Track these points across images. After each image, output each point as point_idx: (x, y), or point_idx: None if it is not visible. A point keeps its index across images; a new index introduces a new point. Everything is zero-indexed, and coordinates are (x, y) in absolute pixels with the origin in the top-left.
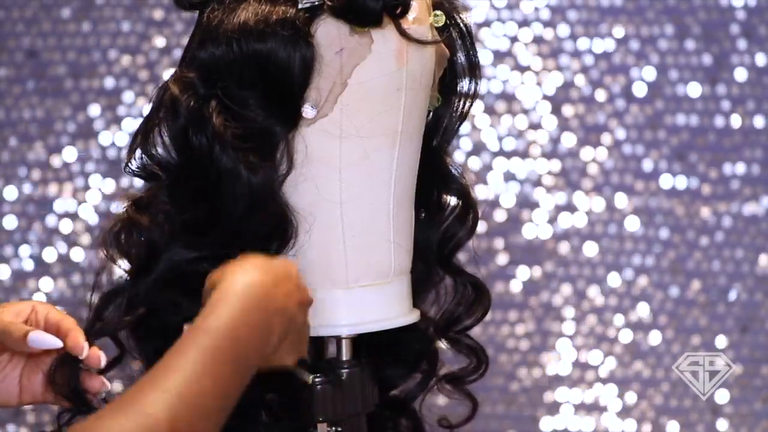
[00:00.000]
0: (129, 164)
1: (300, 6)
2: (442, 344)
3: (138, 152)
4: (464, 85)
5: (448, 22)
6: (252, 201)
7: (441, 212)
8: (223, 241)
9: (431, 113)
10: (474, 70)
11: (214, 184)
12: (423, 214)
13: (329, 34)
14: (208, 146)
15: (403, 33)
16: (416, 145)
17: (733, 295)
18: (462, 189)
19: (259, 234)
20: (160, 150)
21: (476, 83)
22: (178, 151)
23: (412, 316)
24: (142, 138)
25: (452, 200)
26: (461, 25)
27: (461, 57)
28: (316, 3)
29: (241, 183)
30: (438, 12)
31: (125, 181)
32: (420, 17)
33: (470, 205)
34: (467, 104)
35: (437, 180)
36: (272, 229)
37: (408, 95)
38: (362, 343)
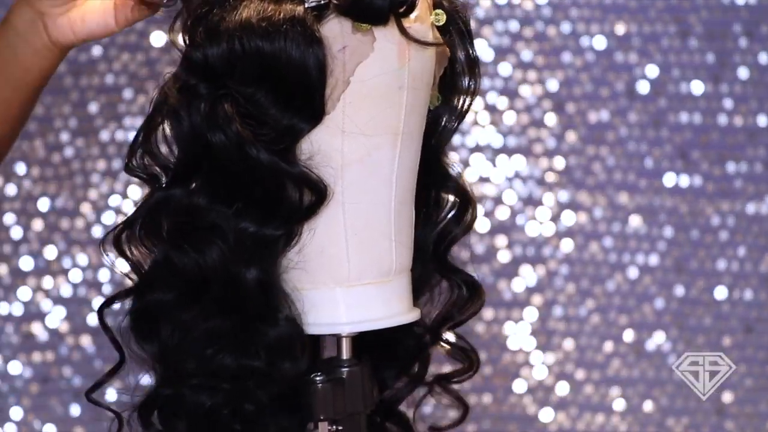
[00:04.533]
0: (130, 164)
1: (307, 5)
2: (441, 346)
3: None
4: (464, 83)
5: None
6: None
7: (438, 210)
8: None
9: (430, 112)
10: (474, 68)
11: (248, 181)
12: (422, 215)
13: (332, 31)
14: (234, 146)
15: (404, 32)
16: (417, 143)
17: (737, 294)
18: (459, 188)
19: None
20: (163, 150)
21: (476, 82)
22: (197, 153)
23: (412, 315)
24: (143, 138)
25: (450, 199)
26: (461, 23)
27: (461, 55)
28: (322, 2)
29: (284, 174)
30: (439, 11)
31: (125, 179)
32: (421, 15)
33: (468, 203)
34: (466, 103)
35: (435, 178)
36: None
37: (410, 93)
38: (357, 343)
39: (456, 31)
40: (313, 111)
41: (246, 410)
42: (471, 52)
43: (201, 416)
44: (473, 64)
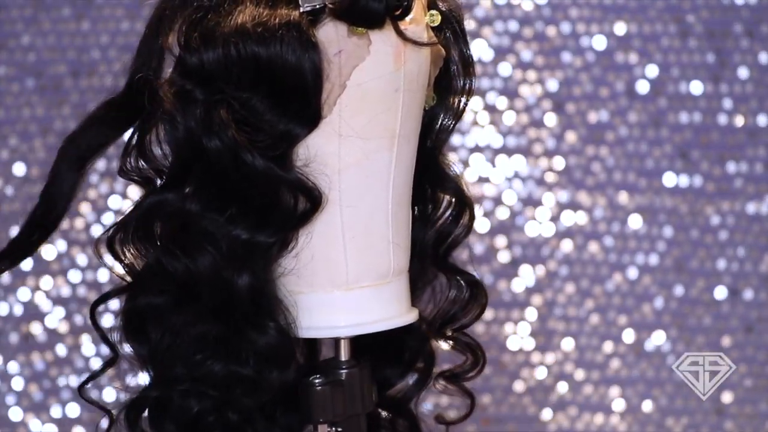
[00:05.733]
0: (124, 167)
1: (302, 9)
2: (443, 343)
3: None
4: (459, 83)
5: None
6: (294, 192)
7: (436, 211)
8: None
9: (426, 112)
10: (468, 68)
11: (243, 186)
12: (418, 213)
13: (328, 36)
14: (229, 152)
15: (400, 34)
16: (413, 145)
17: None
18: (457, 188)
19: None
20: (156, 153)
21: (471, 81)
22: (192, 158)
23: (411, 316)
24: (137, 141)
25: (448, 199)
26: (455, 23)
27: (456, 55)
28: (317, 6)
29: (279, 180)
30: (434, 12)
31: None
32: (416, 17)
33: (466, 203)
34: (462, 103)
35: (432, 179)
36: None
37: (406, 96)
38: (359, 343)
39: (451, 31)
40: (310, 115)
41: (231, 419)
42: (465, 51)
43: (189, 421)
44: (468, 64)
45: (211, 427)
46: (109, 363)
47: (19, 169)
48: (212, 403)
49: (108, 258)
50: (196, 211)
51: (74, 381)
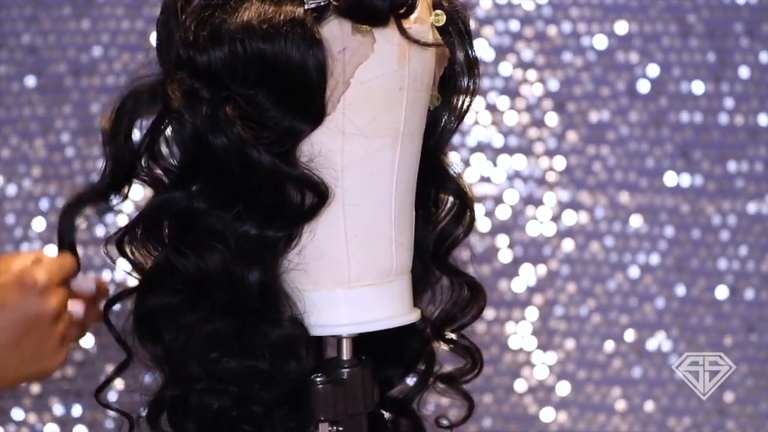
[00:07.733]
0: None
1: (306, 6)
2: (443, 345)
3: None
4: (463, 83)
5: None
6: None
7: (438, 211)
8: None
9: (430, 112)
10: (473, 69)
11: (249, 183)
12: (420, 213)
13: (332, 33)
14: (235, 148)
15: (404, 33)
16: (417, 144)
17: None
18: (459, 188)
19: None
20: (165, 153)
21: (475, 82)
22: (198, 156)
23: (413, 316)
24: (149, 144)
25: (450, 199)
26: (461, 23)
27: (460, 56)
28: (322, 3)
29: (286, 176)
30: (439, 11)
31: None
32: (421, 17)
33: (467, 204)
34: (466, 103)
35: (434, 179)
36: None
37: (410, 94)
38: (361, 342)
39: (456, 31)
40: (314, 112)
41: (254, 412)
42: (470, 52)
43: (209, 418)
44: (473, 65)
45: (231, 422)
46: (123, 366)
47: (20, 168)
48: (231, 400)
49: (118, 261)
50: (203, 208)
51: (76, 381)
